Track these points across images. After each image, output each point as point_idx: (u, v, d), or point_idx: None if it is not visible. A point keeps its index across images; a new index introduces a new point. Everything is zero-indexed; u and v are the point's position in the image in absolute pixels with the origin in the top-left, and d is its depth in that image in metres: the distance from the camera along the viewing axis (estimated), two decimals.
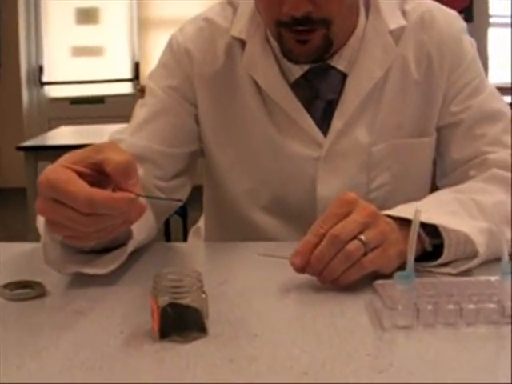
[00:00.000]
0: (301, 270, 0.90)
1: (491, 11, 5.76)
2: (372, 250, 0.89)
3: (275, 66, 1.19)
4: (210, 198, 1.38)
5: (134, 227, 0.95)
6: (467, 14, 5.41)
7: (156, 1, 6.17)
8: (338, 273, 0.89)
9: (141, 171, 1.15)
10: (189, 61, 1.23)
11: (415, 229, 0.82)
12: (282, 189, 1.24)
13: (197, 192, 1.38)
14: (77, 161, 0.83)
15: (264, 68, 1.20)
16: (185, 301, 0.75)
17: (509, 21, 5.44)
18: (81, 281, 0.95)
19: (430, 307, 0.79)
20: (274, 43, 1.18)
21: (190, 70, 1.23)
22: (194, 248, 1.23)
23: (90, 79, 6.30)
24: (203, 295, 0.76)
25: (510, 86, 4.25)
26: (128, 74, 6.34)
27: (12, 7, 6.00)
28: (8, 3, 5.97)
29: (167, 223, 3.45)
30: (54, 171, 0.81)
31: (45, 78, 6.38)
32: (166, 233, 3.52)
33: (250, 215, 1.26)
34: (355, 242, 0.88)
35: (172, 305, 0.75)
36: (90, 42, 6.36)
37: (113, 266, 0.95)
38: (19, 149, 3.25)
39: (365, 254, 0.89)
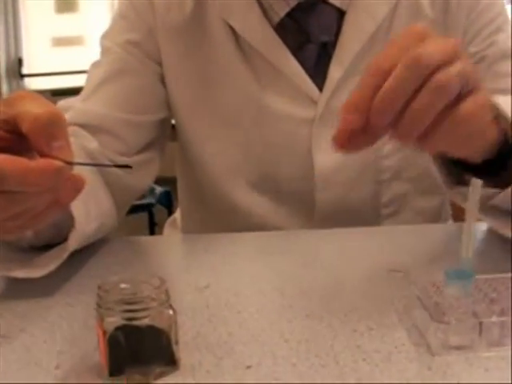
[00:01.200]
0: (356, 128, 0.58)
1: None
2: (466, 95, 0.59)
3: (255, 5, 0.96)
4: (184, 180, 1.13)
5: (78, 213, 0.71)
6: None
7: None
8: (426, 121, 0.57)
9: (95, 144, 0.92)
10: (150, 9, 1.00)
11: (474, 198, 0.58)
12: (270, 160, 0.99)
13: None
14: None
15: (240, 9, 0.96)
16: (143, 321, 0.51)
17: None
18: (10, 289, 0.71)
19: (494, 318, 0.55)
20: None
21: (152, 21, 1.00)
22: (166, 242, 0.96)
23: (71, 70, 6.05)
24: (170, 311, 0.53)
25: None
26: None
27: None
28: None
29: (151, 215, 3.19)
30: None
31: (25, 71, 6.12)
32: (151, 226, 3.26)
33: (234, 196, 1.02)
34: (448, 72, 0.57)
35: (124, 328, 0.51)
36: (71, 32, 6.11)
37: (50, 267, 0.71)
38: None
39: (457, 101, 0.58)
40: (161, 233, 3.30)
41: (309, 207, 0.98)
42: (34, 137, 0.56)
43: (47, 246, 0.76)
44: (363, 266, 0.77)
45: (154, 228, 3.22)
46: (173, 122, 1.06)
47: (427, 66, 0.56)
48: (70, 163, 0.56)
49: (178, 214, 1.21)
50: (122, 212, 0.98)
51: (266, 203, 1.01)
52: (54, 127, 0.56)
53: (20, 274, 0.70)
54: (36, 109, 0.56)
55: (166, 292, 0.52)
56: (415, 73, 0.56)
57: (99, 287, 0.53)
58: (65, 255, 0.72)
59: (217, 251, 0.83)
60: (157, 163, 1.03)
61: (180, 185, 1.15)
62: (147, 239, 0.94)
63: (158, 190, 3.04)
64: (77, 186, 0.58)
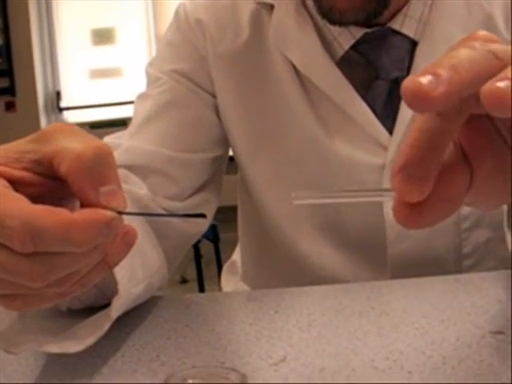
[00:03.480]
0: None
1: None
2: None
3: (314, 37, 0.86)
4: (245, 222, 1.04)
5: (122, 276, 0.60)
6: None
7: None
8: None
9: (144, 191, 0.83)
10: (201, 36, 0.91)
11: None
12: (337, 209, 0.89)
13: (229, 211, 1.06)
14: (9, 159, 0.44)
15: (299, 41, 0.86)
16: None
17: None
18: (48, 370, 0.61)
19: None
20: (312, 5, 0.84)
21: (204, 48, 0.91)
22: (228, 300, 0.81)
23: (109, 102, 6.06)
24: None
25: None
26: None
27: (25, 33, 5.78)
28: (21, 29, 5.76)
29: (196, 250, 3.09)
30: None
31: (63, 104, 6.16)
32: (197, 259, 3.15)
33: (298, 243, 0.92)
34: None
35: None
36: (108, 64, 6.13)
37: (89, 341, 0.58)
38: None
39: None
40: (207, 265, 3.18)
41: (381, 260, 0.88)
42: (77, 180, 0.43)
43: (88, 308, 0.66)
44: (458, 326, 0.66)
45: (200, 260, 3.12)
46: (230, 153, 0.97)
47: None
48: (123, 213, 0.43)
49: (236, 257, 1.11)
50: (174, 262, 0.88)
51: (333, 253, 0.91)
52: (101, 167, 0.43)
53: (53, 348, 0.57)
54: (78, 145, 0.43)
55: None
56: None
57: (167, 380, 0.43)
58: (106, 326, 0.60)
59: (288, 312, 0.72)
60: (213, 204, 0.93)
61: (241, 227, 1.05)
62: (206, 296, 0.82)
63: None
64: (128, 241, 0.45)
